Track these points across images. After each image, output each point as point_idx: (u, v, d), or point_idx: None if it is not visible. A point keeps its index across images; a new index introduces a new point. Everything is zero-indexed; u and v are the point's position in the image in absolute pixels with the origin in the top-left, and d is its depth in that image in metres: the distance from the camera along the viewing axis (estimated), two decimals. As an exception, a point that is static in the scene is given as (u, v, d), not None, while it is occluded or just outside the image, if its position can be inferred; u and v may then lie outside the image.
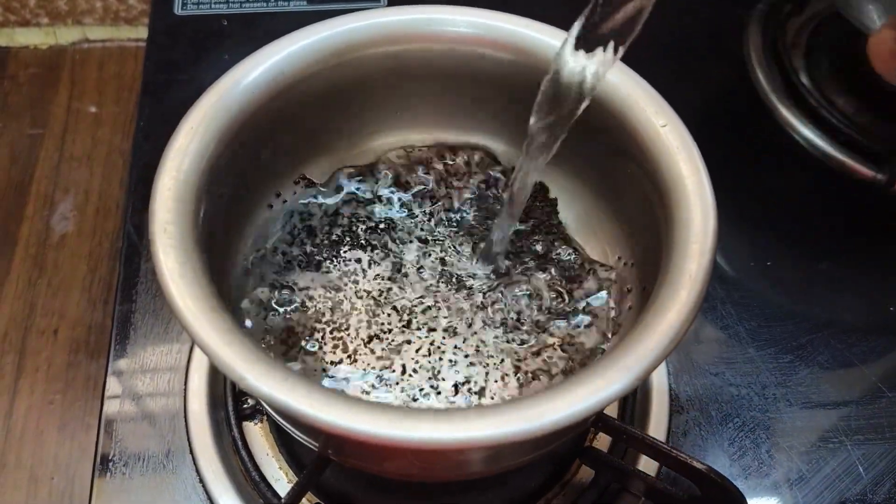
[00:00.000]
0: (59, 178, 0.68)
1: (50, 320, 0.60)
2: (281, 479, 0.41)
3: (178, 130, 0.33)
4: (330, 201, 0.40)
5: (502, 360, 0.36)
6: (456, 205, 0.41)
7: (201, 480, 0.41)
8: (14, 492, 0.53)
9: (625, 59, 0.35)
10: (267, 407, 0.37)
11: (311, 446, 0.34)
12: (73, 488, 0.53)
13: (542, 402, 0.27)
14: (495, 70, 0.38)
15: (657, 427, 0.43)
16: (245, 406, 0.43)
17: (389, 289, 0.38)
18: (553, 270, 0.39)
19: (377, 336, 0.36)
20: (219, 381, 0.44)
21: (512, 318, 0.37)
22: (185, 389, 0.44)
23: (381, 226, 0.40)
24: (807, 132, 0.55)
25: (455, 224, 0.40)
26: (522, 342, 0.37)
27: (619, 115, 0.34)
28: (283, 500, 0.37)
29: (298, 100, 0.36)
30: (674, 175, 0.32)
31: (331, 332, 0.36)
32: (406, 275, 0.38)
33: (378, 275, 0.38)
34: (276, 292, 0.37)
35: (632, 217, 0.37)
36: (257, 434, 0.43)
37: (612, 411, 0.43)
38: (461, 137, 0.42)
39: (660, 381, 0.44)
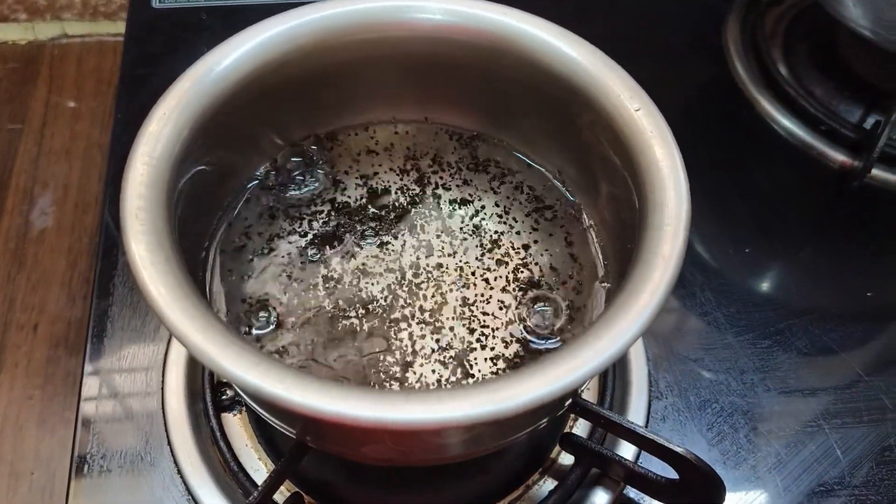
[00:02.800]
0: (37, 172, 0.67)
1: (30, 315, 0.60)
2: (260, 470, 0.41)
3: (150, 116, 0.33)
4: (303, 187, 0.40)
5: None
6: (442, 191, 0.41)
7: (180, 472, 0.41)
8: (-6, 487, 0.52)
9: (604, 50, 0.35)
10: (243, 394, 0.37)
11: (289, 433, 0.34)
12: (54, 483, 0.52)
13: (515, 382, 0.27)
14: (474, 57, 0.38)
15: (636, 413, 0.43)
16: (223, 397, 0.43)
17: (359, 277, 0.38)
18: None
19: (347, 324, 0.36)
20: (197, 372, 0.44)
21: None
22: (163, 382, 0.44)
23: (357, 217, 0.40)
24: (785, 122, 0.56)
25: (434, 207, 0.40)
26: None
27: (593, 99, 0.34)
28: (259, 489, 0.37)
29: (273, 86, 0.36)
30: (648, 158, 0.32)
31: (302, 320, 0.36)
32: (380, 263, 0.38)
33: (354, 265, 0.38)
34: (248, 279, 0.37)
35: (607, 201, 0.37)
36: (236, 425, 0.43)
37: (591, 397, 0.43)
38: (441, 120, 0.42)
39: (639, 368, 0.44)
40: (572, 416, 0.43)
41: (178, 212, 0.32)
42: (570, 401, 0.34)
